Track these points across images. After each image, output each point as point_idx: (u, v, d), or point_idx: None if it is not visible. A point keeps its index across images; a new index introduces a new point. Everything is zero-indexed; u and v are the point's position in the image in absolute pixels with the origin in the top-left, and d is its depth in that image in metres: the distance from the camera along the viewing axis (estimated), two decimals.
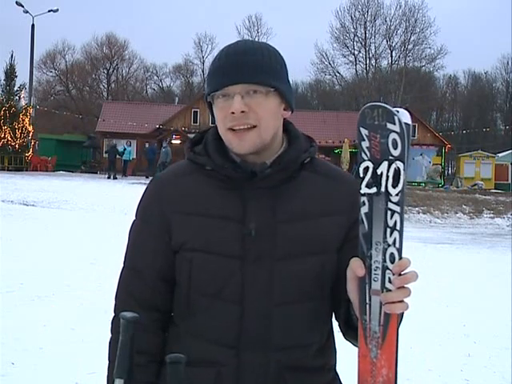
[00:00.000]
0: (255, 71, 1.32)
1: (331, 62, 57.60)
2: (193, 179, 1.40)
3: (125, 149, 30.66)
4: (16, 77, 33.83)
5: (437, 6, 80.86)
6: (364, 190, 1.08)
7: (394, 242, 1.06)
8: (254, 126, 1.32)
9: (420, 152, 35.41)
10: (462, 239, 14.85)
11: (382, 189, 1.06)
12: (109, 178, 28.00)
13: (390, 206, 1.06)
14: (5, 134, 31.56)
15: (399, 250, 1.06)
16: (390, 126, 1.05)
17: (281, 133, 1.42)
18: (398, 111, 1.05)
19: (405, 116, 1.06)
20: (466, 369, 4.85)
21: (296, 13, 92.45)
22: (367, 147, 1.08)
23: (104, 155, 36.83)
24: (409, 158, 1.06)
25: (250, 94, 1.32)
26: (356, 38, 56.56)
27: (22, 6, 37.88)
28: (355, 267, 1.08)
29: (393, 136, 1.05)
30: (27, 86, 36.73)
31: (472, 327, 6.13)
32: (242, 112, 1.31)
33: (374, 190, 1.07)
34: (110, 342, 1.45)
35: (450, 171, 49.39)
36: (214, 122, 1.41)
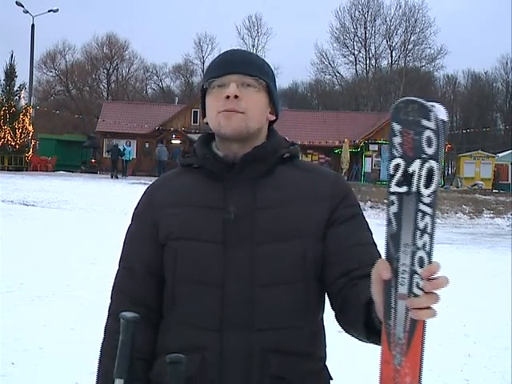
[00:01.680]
0: (251, 66, 1.47)
1: (331, 62, 57.69)
2: (181, 178, 1.51)
3: (124, 149, 30.72)
4: (16, 77, 33.89)
5: (437, 6, 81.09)
6: (394, 188, 1.01)
7: (424, 246, 1.00)
8: (242, 113, 1.43)
9: None
10: (461, 239, 14.85)
11: (414, 188, 0.99)
12: (112, 177, 28.23)
13: (421, 207, 1.00)
14: (5, 134, 31.58)
15: (429, 254, 1.00)
16: (424, 122, 0.98)
17: (266, 133, 1.52)
18: (433, 106, 0.99)
19: (441, 112, 0.99)
20: (466, 369, 4.85)
21: (296, 13, 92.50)
22: (399, 143, 1.01)
23: (104, 155, 36.90)
24: (443, 160, 1.00)
25: (244, 86, 1.44)
26: (356, 38, 56.62)
27: (22, 6, 37.94)
28: (381, 269, 1.04)
29: (427, 133, 0.98)
30: (27, 86, 36.78)
31: (472, 327, 6.13)
32: (236, 97, 1.42)
33: (404, 189, 1.00)
34: (102, 343, 1.48)
35: (449, 171, 49.40)
36: (205, 115, 1.52)
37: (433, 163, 0.98)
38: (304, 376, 1.39)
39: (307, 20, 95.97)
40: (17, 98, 33.82)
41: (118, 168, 29.65)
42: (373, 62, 57.31)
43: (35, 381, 4.12)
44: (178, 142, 35.81)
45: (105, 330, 1.49)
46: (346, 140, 30.62)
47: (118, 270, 1.53)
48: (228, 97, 1.41)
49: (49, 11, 39.42)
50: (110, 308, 1.51)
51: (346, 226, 1.42)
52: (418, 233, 1.01)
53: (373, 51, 56.73)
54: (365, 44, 56.25)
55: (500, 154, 40.05)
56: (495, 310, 6.84)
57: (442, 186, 31.44)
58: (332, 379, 1.48)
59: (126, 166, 30.95)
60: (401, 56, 55.94)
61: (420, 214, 1.00)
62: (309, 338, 1.42)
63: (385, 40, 56.41)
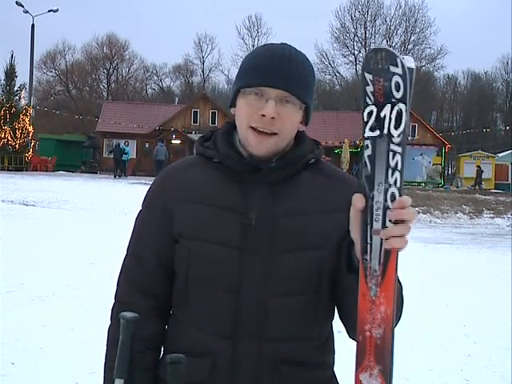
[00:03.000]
0: (295, 82, 1.35)
1: (331, 62, 57.77)
2: (198, 171, 1.43)
3: (124, 149, 30.76)
4: (16, 77, 33.93)
5: (437, 6, 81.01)
6: (367, 133, 1.10)
7: (395, 182, 1.08)
8: (276, 134, 1.35)
9: (420, 152, 35.40)
10: (461, 239, 14.84)
11: (385, 131, 1.08)
12: (115, 176, 28.57)
13: (392, 147, 1.08)
14: (5, 134, 31.59)
15: (400, 190, 1.08)
16: (392, 68, 1.06)
17: (293, 138, 1.44)
18: (403, 57, 1.07)
19: (409, 61, 1.07)
20: (466, 369, 4.85)
21: (296, 13, 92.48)
22: (371, 92, 1.09)
23: (104, 155, 36.92)
24: (410, 103, 1.08)
25: (282, 102, 1.34)
26: (356, 38, 56.71)
27: (22, 6, 37.90)
28: (355, 201, 1.10)
29: (396, 79, 1.06)
30: (27, 86, 36.77)
31: (472, 327, 6.13)
32: (272, 118, 1.33)
33: (377, 132, 1.09)
34: (108, 330, 1.46)
35: (450, 171, 49.37)
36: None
37: (401, 106, 1.07)
38: None
39: (307, 20, 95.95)
40: (17, 98, 33.86)
41: (120, 167, 29.79)
42: None
43: (35, 381, 4.12)
44: (178, 141, 35.80)
45: (111, 318, 1.45)
46: (346, 140, 30.57)
47: (126, 256, 1.48)
48: (264, 115, 1.33)
49: (49, 11, 39.42)
50: (116, 295, 1.47)
51: None
52: (390, 171, 1.09)
53: None
54: (365, 44, 56.28)
55: (500, 154, 40.03)
56: (495, 310, 6.83)
57: (442, 186, 31.43)
58: None
59: (125, 165, 31.00)
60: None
61: (391, 154, 1.08)
62: (319, 347, 1.40)
63: (385, 40, 56.44)
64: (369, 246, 1.11)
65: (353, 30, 56.44)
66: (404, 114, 1.07)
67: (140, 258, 1.44)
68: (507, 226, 18.85)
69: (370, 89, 1.09)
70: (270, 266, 1.34)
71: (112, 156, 30.62)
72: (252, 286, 1.34)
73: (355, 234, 1.14)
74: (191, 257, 1.37)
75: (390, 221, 1.08)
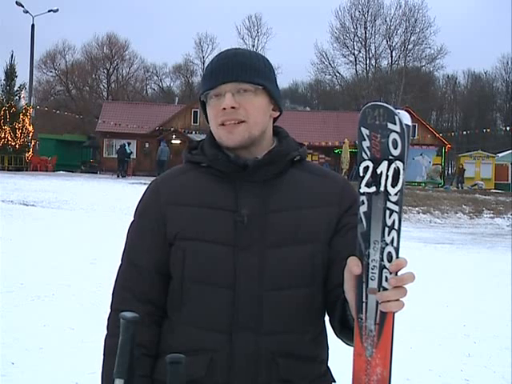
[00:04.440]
0: (244, 71, 1.42)
1: (331, 62, 57.66)
2: (188, 176, 1.47)
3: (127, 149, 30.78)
4: (16, 77, 33.92)
5: (437, 6, 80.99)
6: (363, 189, 1.09)
7: (392, 241, 1.06)
8: (243, 121, 1.41)
9: (420, 152, 35.41)
10: (461, 239, 14.85)
11: (382, 188, 1.07)
12: (118, 176, 28.67)
13: (389, 205, 1.07)
14: (5, 134, 31.58)
15: (397, 249, 1.06)
16: (390, 125, 1.06)
17: (271, 132, 1.50)
18: (399, 112, 1.06)
19: (405, 117, 1.07)
20: (466, 369, 4.85)
21: (296, 12, 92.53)
22: (368, 147, 1.08)
23: (104, 155, 36.93)
24: (408, 158, 1.07)
25: (240, 92, 1.41)
26: (356, 38, 56.61)
27: (22, 6, 37.92)
28: (352, 266, 1.09)
29: (393, 136, 1.06)
30: (27, 86, 36.77)
31: (472, 327, 6.13)
32: (233, 108, 1.40)
33: (373, 189, 1.08)
34: (105, 339, 1.46)
35: (449, 171, 49.37)
36: (208, 121, 1.48)
37: (399, 164, 1.06)
38: (310, 379, 1.40)
39: (307, 20, 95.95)
40: (17, 98, 33.84)
41: (124, 168, 29.84)
42: (373, 61, 57.32)
43: (35, 381, 4.12)
44: (178, 141, 35.80)
45: (108, 327, 1.46)
46: (345, 140, 30.55)
47: (121, 265, 1.49)
48: (225, 108, 1.40)
49: (49, 11, 39.43)
50: (112, 304, 1.48)
51: (354, 234, 1.41)
52: (387, 229, 1.07)
53: (373, 51, 56.74)
54: (365, 44, 56.25)
55: (500, 154, 40.05)
56: (495, 310, 6.84)
57: (442, 186, 31.43)
58: (335, 382, 1.49)
59: (125, 165, 31.04)
60: (401, 56, 55.89)
61: (388, 212, 1.07)
62: (314, 342, 1.42)
63: (385, 40, 56.42)
64: (364, 304, 1.09)
65: (353, 30, 56.39)
66: (401, 172, 1.06)
67: (137, 266, 1.45)
68: (507, 226, 18.86)
69: (366, 144, 1.09)
70: (263, 261, 1.37)
71: (116, 156, 30.69)
72: (247, 282, 1.36)
73: (350, 292, 1.13)
74: (186, 256, 1.39)
75: (387, 281, 1.07)
